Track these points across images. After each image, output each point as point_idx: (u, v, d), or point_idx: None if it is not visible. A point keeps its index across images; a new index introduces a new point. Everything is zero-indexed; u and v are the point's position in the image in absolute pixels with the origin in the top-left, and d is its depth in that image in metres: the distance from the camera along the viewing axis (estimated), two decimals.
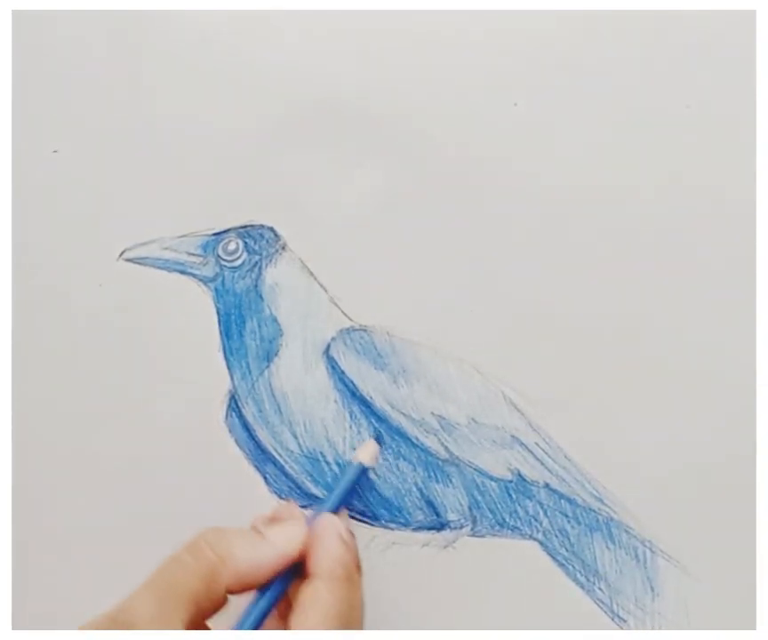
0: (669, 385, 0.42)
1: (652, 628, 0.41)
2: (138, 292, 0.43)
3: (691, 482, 0.41)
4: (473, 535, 0.42)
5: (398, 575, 0.41)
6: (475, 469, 0.42)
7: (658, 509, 0.41)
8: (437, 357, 0.42)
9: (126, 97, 0.44)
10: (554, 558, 0.41)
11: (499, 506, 0.41)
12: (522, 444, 0.42)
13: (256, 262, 0.43)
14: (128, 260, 0.43)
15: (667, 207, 0.42)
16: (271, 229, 0.43)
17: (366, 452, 0.41)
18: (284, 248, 0.43)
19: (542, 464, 0.41)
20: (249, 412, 0.42)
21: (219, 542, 0.35)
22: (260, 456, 0.42)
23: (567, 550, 0.41)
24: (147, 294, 0.43)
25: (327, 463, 0.42)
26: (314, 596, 0.35)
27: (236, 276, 0.43)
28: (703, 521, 0.41)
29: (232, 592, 0.35)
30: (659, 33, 0.43)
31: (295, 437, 0.42)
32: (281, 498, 0.42)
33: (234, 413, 0.43)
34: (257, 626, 0.35)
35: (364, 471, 0.40)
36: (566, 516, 0.41)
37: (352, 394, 0.42)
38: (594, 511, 0.41)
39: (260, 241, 0.43)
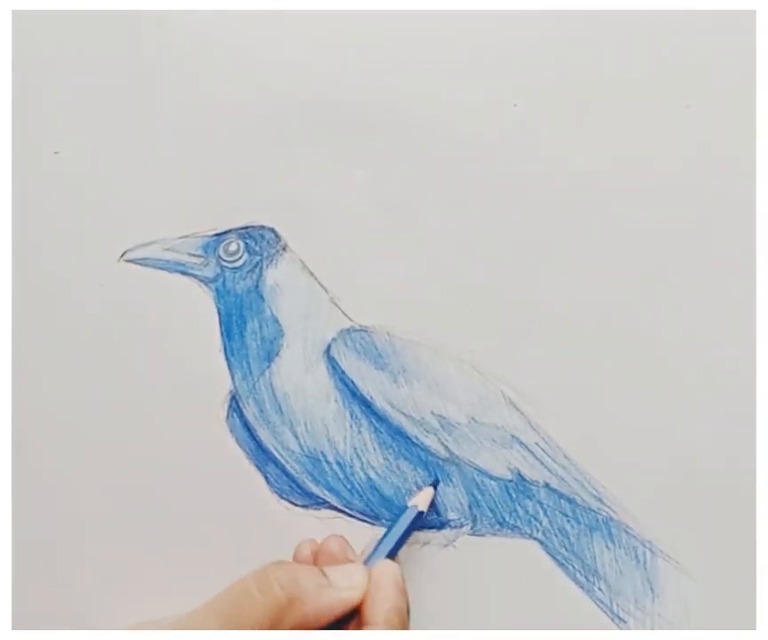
0: (669, 385, 0.42)
1: (652, 629, 0.41)
2: (139, 292, 0.43)
3: (691, 482, 0.41)
4: (473, 534, 0.42)
5: None
6: (475, 469, 0.42)
7: (657, 510, 0.41)
8: (437, 357, 0.42)
9: (127, 97, 0.44)
10: (553, 558, 0.41)
11: (499, 505, 0.42)
12: (522, 443, 0.42)
13: (257, 263, 0.43)
14: (129, 260, 0.43)
15: (666, 207, 0.42)
16: (272, 230, 0.43)
17: (423, 499, 0.41)
18: (284, 249, 0.43)
19: (542, 464, 0.42)
20: (250, 411, 0.42)
21: (289, 583, 0.35)
22: (261, 456, 0.42)
23: (567, 550, 0.41)
24: (148, 295, 0.43)
25: (328, 463, 0.42)
26: None
27: (237, 277, 0.43)
28: (703, 522, 0.41)
29: (293, 630, 0.35)
30: (658, 33, 0.43)
31: (296, 437, 0.42)
32: (281, 497, 0.42)
33: (235, 413, 0.43)
34: None
35: (419, 516, 0.41)
36: (566, 515, 0.41)
37: (352, 394, 0.42)
38: (593, 511, 0.41)
39: (260, 242, 0.43)
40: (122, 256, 0.44)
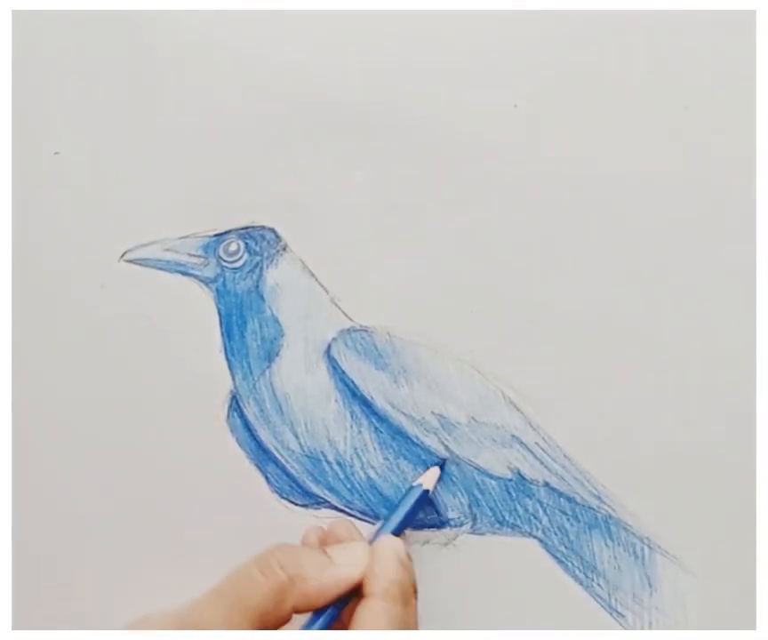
0: (668, 384, 0.42)
1: (650, 623, 0.41)
2: (139, 293, 0.43)
3: (689, 480, 0.41)
4: (473, 533, 0.42)
5: None
6: (475, 468, 0.42)
7: (656, 507, 0.41)
8: (437, 357, 0.42)
9: (127, 97, 0.44)
10: (553, 555, 0.42)
11: (499, 504, 0.42)
12: (521, 442, 0.42)
13: (257, 263, 0.43)
14: (129, 261, 0.43)
15: (666, 207, 0.42)
16: (272, 230, 0.43)
17: (430, 477, 0.41)
18: (284, 249, 0.43)
19: (542, 463, 0.42)
20: (250, 411, 0.42)
21: (289, 563, 0.35)
22: (262, 455, 0.42)
23: (566, 547, 0.41)
24: (148, 295, 0.43)
25: (328, 463, 0.42)
26: (369, 614, 0.35)
27: (237, 277, 0.43)
28: (701, 518, 0.41)
29: (298, 612, 0.35)
30: (658, 33, 0.43)
31: (296, 437, 0.42)
32: (282, 497, 0.42)
33: (235, 413, 0.43)
34: None
35: (424, 495, 0.41)
36: (565, 513, 0.42)
37: (353, 394, 0.42)
38: (593, 509, 0.41)
39: (260, 242, 0.43)
40: (122, 256, 0.44)
